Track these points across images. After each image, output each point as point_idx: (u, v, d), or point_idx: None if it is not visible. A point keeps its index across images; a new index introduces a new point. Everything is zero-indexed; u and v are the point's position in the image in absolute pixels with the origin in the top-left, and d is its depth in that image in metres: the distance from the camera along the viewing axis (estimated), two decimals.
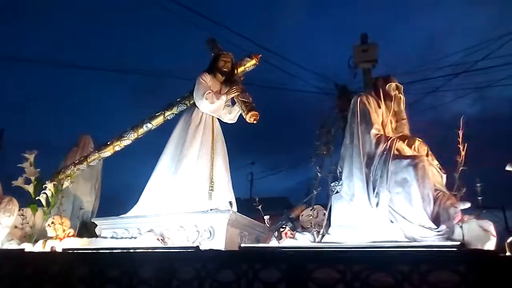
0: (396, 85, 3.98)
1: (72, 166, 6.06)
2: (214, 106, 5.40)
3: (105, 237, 4.93)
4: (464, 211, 3.41)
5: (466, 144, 3.36)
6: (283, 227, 4.13)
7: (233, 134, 5.97)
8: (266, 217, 4.94)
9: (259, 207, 4.17)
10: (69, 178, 5.90)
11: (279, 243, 3.83)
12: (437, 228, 3.16)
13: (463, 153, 3.35)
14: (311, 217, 3.92)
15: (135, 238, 4.62)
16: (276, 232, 4.12)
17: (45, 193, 5.65)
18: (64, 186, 5.81)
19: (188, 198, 4.79)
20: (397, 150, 3.58)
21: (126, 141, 5.99)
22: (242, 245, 3.62)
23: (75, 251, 4.31)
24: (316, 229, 3.62)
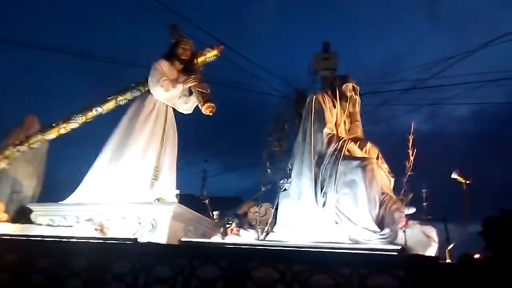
0: (353, 86, 3.93)
1: (12, 147, 5.64)
2: (169, 94, 5.17)
3: (40, 224, 4.61)
4: (410, 217, 3.41)
5: (415, 149, 3.35)
6: (229, 223, 3.99)
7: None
8: (216, 213, 4.80)
9: (206, 201, 4.01)
10: (7, 159, 5.49)
11: (223, 239, 3.69)
12: (380, 232, 3.12)
13: (412, 158, 3.33)
14: (257, 214, 3.80)
15: (72, 226, 4.33)
16: (222, 228, 3.97)
17: None
18: (0, 167, 5.40)
19: (130, 187, 4.56)
20: (348, 151, 3.53)
21: (73, 124, 5.63)
22: (183, 239, 3.44)
23: (3, 237, 3.98)
24: (261, 226, 3.49)
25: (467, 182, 3.21)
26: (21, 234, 4.25)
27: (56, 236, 3.91)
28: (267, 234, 3.48)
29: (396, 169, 3.69)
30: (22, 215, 5.61)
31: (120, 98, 5.57)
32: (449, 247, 2.97)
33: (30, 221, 4.93)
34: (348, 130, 3.92)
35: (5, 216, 4.99)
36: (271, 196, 3.99)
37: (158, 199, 4.51)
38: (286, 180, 3.65)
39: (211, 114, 5.11)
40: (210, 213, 4.13)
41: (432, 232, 3.14)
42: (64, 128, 5.66)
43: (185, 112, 5.49)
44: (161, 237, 4.02)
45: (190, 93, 5.45)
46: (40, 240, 3.86)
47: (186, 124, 5.69)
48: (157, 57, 5.46)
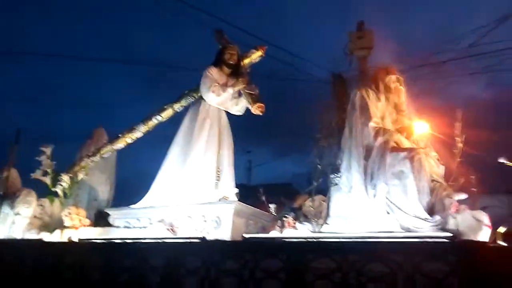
0: (396, 77, 4.02)
1: (86, 158, 6.30)
2: (221, 99, 5.52)
3: (118, 227, 5.17)
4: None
5: (464, 136, 3.41)
6: (285, 217, 4.27)
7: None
8: (272, 206, 5.12)
9: (263, 197, 4.31)
10: (83, 169, 6.14)
11: (281, 232, 3.98)
12: (431, 219, 3.25)
13: (460, 145, 3.40)
14: (311, 207, 4.04)
15: (146, 228, 4.83)
16: (279, 221, 4.27)
17: (61, 184, 5.91)
18: (79, 177, 6.06)
19: (196, 189, 4.98)
20: (396, 142, 3.66)
21: (137, 133, 6.21)
22: (245, 235, 3.77)
23: (90, 241, 4.55)
24: (316, 219, 3.74)
25: None
26: (104, 238, 4.80)
27: (135, 237, 4.40)
28: (322, 226, 3.71)
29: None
30: (100, 219, 6.27)
31: (176, 105, 6.04)
32: (499, 229, 3.03)
33: (108, 224, 5.53)
34: (395, 121, 4.03)
35: (87, 221, 5.62)
36: (324, 188, 4.20)
37: (222, 198, 4.91)
38: (336, 174, 3.85)
39: (261, 114, 5.42)
40: (265, 202, 4.43)
41: (483, 216, 3.21)
42: (129, 138, 6.25)
43: (237, 113, 5.82)
44: (225, 232, 4.40)
45: (240, 94, 5.76)
46: (124, 242, 4.36)
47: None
48: (206, 64, 5.84)
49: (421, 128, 3.98)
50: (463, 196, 3.40)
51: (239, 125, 6.00)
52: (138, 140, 6.38)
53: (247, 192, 5.38)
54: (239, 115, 5.82)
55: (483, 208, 3.49)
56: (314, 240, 3.43)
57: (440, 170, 3.67)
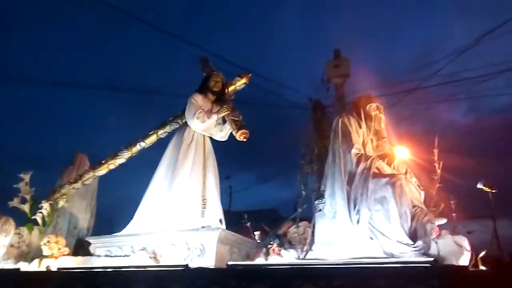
0: (376, 105, 4.16)
1: (68, 185, 6.20)
2: (205, 125, 5.56)
3: (99, 256, 5.05)
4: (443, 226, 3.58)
5: (441, 162, 3.52)
6: (270, 244, 4.27)
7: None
8: (257, 233, 5.11)
9: (248, 224, 4.31)
10: (64, 197, 6.03)
11: (266, 259, 3.97)
12: (413, 244, 3.31)
13: (438, 170, 3.50)
14: (296, 234, 4.06)
15: (128, 256, 4.74)
16: (264, 248, 4.26)
17: (41, 212, 5.78)
18: (60, 205, 5.95)
19: (181, 216, 4.94)
20: (377, 168, 3.75)
21: (120, 160, 6.16)
22: (230, 262, 3.74)
23: (70, 270, 4.43)
24: (301, 246, 3.75)
25: (492, 191, 3.35)
26: (85, 267, 4.69)
27: (116, 266, 4.31)
28: (307, 253, 3.73)
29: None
30: (80, 248, 6.13)
31: (160, 131, 6.05)
32: (481, 255, 3.11)
33: (88, 253, 5.40)
34: (376, 147, 4.14)
35: (67, 250, 5.47)
36: (309, 215, 4.23)
37: (206, 226, 4.87)
38: (320, 200, 3.90)
39: (245, 140, 5.47)
40: (250, 229, 4.43)
41: (464, 241, 3.29)
42: (112, 164, 6.18)
43: (220, 140, 5.86)
44: (209, 260, 4.35)
45: (224, 121, 5.82)
46: (104, 271, 4.26)
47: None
48: (191, 90, 5.91)
49: (402, 154, 4.10)
50: (443, 221, 3.48)
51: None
52: (121, 166, 6.34)
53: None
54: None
55: (469, 233, 3.58)
56: (299, 266, 3.43)
57: (421, 195, 3.76)
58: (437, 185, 3.52)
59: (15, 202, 5.84)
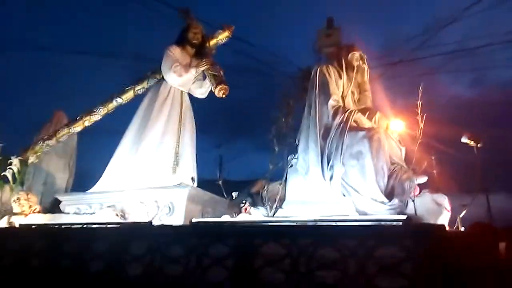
0: (360, 54, 3.79)
1: (41, 142, 5.92)
2: (183, 79, 5.21)
3: (68, 213, 4.84)
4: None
5: (424, 115, 3.19)
6: (243, 203, 4.01)
7: (201, 114, 5.82)
8: (235, 194, 4.85)
9: (220, 183, 4.05)
10: (36, 154, 5.77)
11: (233, 217, 3.72)
12: (389, 202, 3.03)
13: (421, 124, 3.18)
14: (266, 192, 3.78)
15: (95, 213, 4.52)
16: (236, 207, 4.00)
17: (11, 168, 5.53)
18: (30, 161, 5.69)
19: (151, 173, 4.67)
20: (355, 122, 3.43)
21: (96, 116, 5.85)
22: (193, 220, 3.49)
23: (31, 226, 4.22)
24: (270, 203, 3.49)
25: (478, 145, 3.04)
26: (49, 223, 4.47)
27: (79, 223, 4.09)
28: (276, 211, 3.46)
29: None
30: (57, 207, 5.92)
31: (138, 87, 5.70)
32: (461, 215, 2.83)
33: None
34: (358, 101, 3.80)
35: (38, 208, 5.26)
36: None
37: (179, 184, 4.62)
38: (293, 155, 3.60)
39: (224, 96, 5.11)
40: (224, 194, 4.15)
41: (444, 200, 3.02)
42: (88, 121, 5.88)
43: (200, 96, 5.53)
44: (178, 219, 4.12)
45: (204, 77, 5.47)
46: (65, 227, 4.05)
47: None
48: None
49: (397, 126, 3.72)
50: (424, 179, 3.19)
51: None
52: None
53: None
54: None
55: (463, 206, 3.28)
56: (262, 224, 3.17)
57: (401, 152, 3.46)
58: (419, 140, 3.19)
59: None
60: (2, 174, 5.58)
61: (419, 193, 3.17)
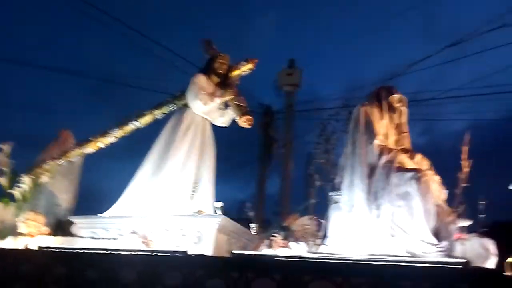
0: (400, 97, 3.92)
1: (52, 161, 5.75)
2: (207, 108, 5.23)
3: (83, 237, 4.65)
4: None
5: (470, 161, 3.30)
6: (274, 236, 3.97)
7: None
8: (253, 225, 4.80)
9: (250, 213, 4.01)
10: (48, 172, 5.58)
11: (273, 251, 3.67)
12: (438, 244, 3.07)
13: (466, 169, 3.29)
14: (305, 226, 3.77)
15: (115, 239, 4.36)
16: (267, 240, 3.96)
17: (20, 186, 5.32)
18: (42, 181, 5.49)
19: (169, 200, 4.60)
20: (399, 163, 3.50)
21: (110, 138, 5.76)
22: (234, 251, 3.43)
23: (52, 250, 4.02)
24: (312, 239, 3.47)
25: None
26: (66, 247, 4.28)
27: (104, 248, 3.93)
28: (319, 247, 3.45)
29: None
30: (59, 229, 5.68)
31: (156, 112, 5.68)
32: (509, 259, 2.90)
33: (68, 234, 4.99)
34: (396, 142, 3.89)
35: (46, 230, 5.05)
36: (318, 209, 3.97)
37: (197, 212, 4.55)
38: (336, 192, 3.63)
39: (249, 126, 5.19)
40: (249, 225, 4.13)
41: (491, 244, 3.08)
42: (101, 142, 5.78)
43: (222, 125, 5.55)
44: (206, 249, 4.02)
45: (226, 106, 5.51)
46: (89, 252, 3.88)
47: None
48: (194, 72, 5.57)
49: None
50: (468, 222, 3.26)
51: None
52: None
53: None
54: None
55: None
56: (313, 260, 3.14)
57: (443, 194, 3.54)
58: (463, 184, 3.29)
59: None
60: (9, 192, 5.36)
61: (460, 236, 3.23)
